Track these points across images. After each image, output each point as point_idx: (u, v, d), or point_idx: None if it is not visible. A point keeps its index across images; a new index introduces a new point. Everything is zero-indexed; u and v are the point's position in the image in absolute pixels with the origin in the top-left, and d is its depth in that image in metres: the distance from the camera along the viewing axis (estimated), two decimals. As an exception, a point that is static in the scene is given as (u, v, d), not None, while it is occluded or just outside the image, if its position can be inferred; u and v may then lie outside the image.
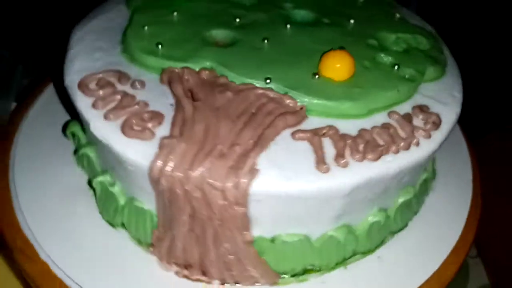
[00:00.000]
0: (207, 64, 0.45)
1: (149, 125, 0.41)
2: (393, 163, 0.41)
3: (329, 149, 0.41)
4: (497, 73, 0.83)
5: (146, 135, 0.40)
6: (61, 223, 0.48)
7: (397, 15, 0.53)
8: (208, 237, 0.41)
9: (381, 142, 0.41)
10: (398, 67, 0.46)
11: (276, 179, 0.38)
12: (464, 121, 0.48)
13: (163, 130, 0.40)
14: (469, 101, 0.49)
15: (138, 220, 0.44)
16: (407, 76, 0.46)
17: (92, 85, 0.44)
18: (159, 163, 0.38)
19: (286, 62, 0.45)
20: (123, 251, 0.46)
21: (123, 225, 0.46)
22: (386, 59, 0.47)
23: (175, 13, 0.49)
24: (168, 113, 0.42)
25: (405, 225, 0.50)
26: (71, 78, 0.44)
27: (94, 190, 0.47)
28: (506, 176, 0.68)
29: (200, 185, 0.38)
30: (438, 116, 0.44)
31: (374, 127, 0.42)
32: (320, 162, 0.39)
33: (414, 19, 0.55)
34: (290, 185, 0.38)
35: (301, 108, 0.42)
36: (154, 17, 0.49)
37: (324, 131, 0.41)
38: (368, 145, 0.41)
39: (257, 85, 0.43)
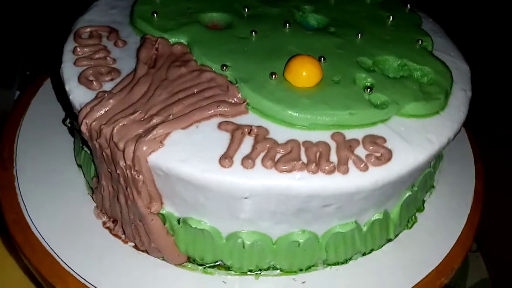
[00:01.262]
0: (184, 39, 0.46)
1: (103, 78, 0.44)
2: (301, 181, 0.38)
3: (247, 148, 0.39)
4: (504, 74, 0.79)
5: (93, 86, 0.43)
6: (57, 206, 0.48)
7: (420, 43, 0.48)
8: (121, 196, 0.43)
9: (303, 158, 0.39)
10: (370, 91, 0.42)
11: (172, 158, 0.38)
12: (469, 120, 0.47)
13: (111, 85, 0.43)
14: (475, 100, 0.48)
15: (87, 164, 0.48)
16: (377, 103, 0.42)
17: (85, 35, 0.48)
18: (84, 111, 0.41)
19: (256, 57, 0.44)
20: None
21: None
22: (364, 80, 0.43)
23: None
24: (127, 72, 0.44)
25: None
26: (77, 26, 0.49)
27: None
28: (506, 172, 0.70)
29: (108, 142, 0.40)
30: (389, 153, 0.39)
31: (306, 141, 0.40)
32: (227, 156, 0.38)
33: (447, 51, 0.50)
34: (181, 167, 0.38)
35: (243, 102, 0.41)
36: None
37: (250, 129, 0.40)
38: (286, 156, 0.38)
39: (215, 69, 0.43)
